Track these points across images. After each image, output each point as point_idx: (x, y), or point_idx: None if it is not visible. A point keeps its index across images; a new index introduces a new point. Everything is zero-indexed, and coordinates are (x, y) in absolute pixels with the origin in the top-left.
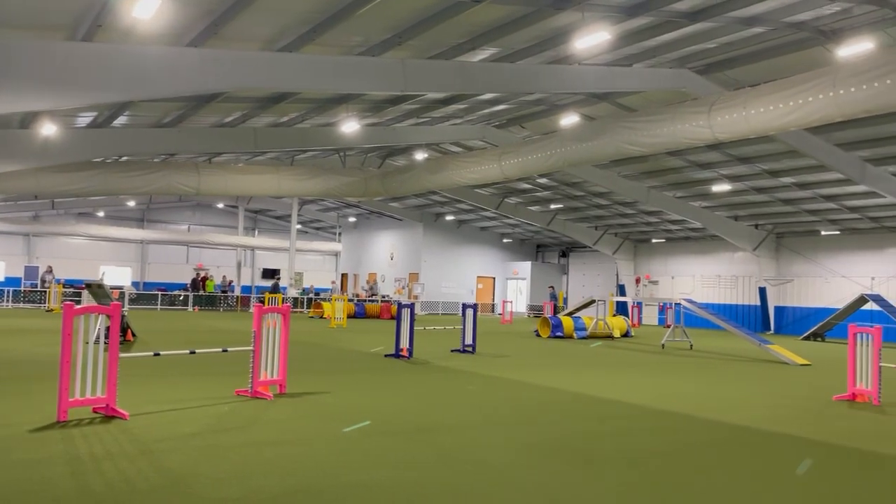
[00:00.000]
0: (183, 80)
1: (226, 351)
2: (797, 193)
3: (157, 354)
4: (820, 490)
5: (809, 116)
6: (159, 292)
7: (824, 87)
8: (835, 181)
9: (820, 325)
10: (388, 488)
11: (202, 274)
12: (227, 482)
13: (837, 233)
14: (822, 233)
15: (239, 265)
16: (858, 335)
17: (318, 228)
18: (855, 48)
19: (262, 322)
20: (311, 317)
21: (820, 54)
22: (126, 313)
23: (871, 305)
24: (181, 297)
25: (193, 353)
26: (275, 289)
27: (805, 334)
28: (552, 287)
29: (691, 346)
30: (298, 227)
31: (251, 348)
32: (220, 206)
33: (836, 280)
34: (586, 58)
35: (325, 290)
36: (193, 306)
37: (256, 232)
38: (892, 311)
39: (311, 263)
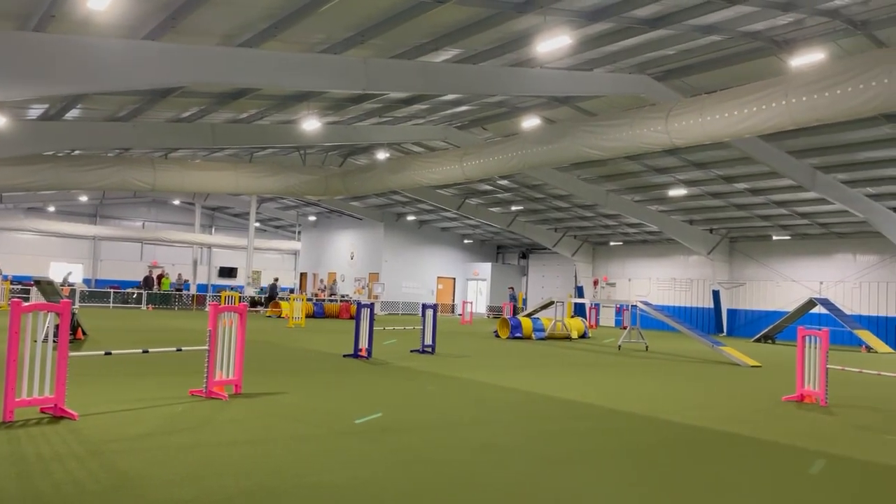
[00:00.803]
0: (138, 74)
1: (180, 350)
2: (750, 199)
3: (108, 353)
4: (766, 490)
5: (763, 124)
6: (112, 290)
7: (777, 96)
8: (786, 187)
9: (771, 328)
10: (347, 489)
11: (157, 272)
12: (180, 484)
13: (788, 238)
14: (774, 238)
15: (195, 263)
16: (807, 338)
17: (277, 227)
18: (807, 58)
19: (218, 321)
20: (269, 316)
21: (774, 63)
22: (76, 311)
23: (819, 309)
24: (134, 296)
25: (147, 352)
26: (272, 291)
27: (756, 336)
28: (512, 288)
29: (647, 347)
30: (257, 225)
31: (206, 348)
32: (177, 202)
33: (786, 284)
34: (548, 61)
35: (283, 289)
36: (147, 305)
37: (213, 229)
38: (839, 314)
39: (269, 262)
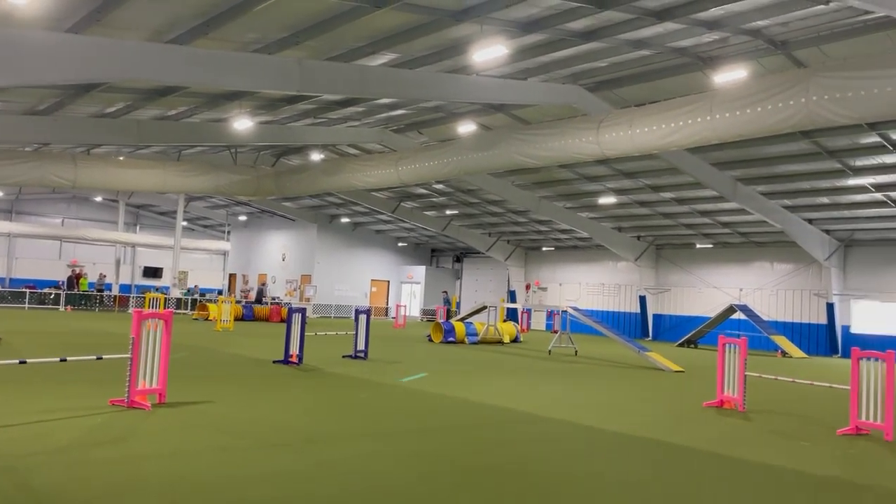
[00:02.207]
0: (60, 68)
1: (100, 359)
2: (676, 208)
3: (23, 362)
4: (686, 496)
5: (689, 138)
6: (27, 290)
7: (702, 112)
8: (709, 198)
9: (693, 333)
10: None
11: (77, 271)
12: (100, 501)
13: (710, 246)
14: (697, 246)
15: (118, 262)
16: (727, 346)
17: (205, 226)
18: (730, 75)
19: (142, 327)
20: (196, 318)
21: (700, 79)
22: None
23: (738, 315)
24: (52, 296)
25: (64, 360)
26: (259, 296)
27: (680, 341)
28: (446, 292)
29: (576, 352)
30: (184, 223)
31: (129, 356)
32: (99, 199)
33: (708, 290)
34: (484, 69)
35: (210, 291)
36: (66, 305)
37: (138, 228)
38: (757, 320)
39: (197, 262)
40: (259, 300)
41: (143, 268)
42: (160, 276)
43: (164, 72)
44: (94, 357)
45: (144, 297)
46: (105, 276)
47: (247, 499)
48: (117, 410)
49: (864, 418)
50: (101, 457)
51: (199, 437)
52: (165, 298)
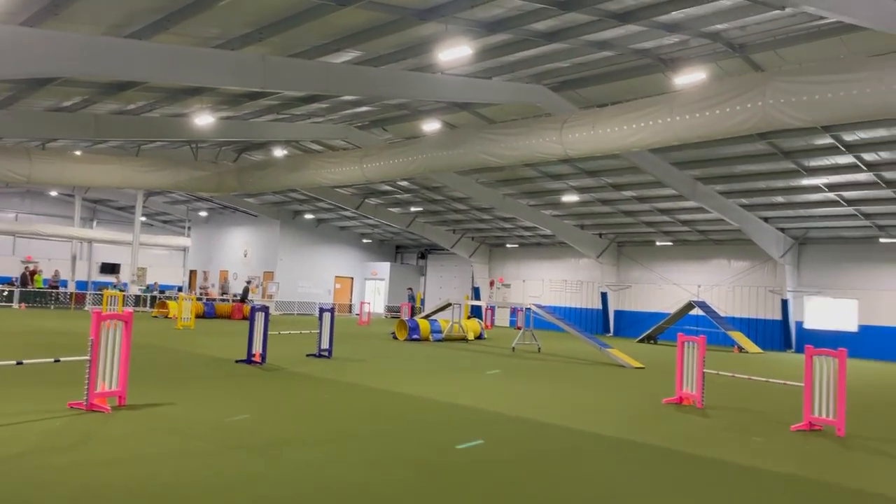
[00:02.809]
0: (15, 62)
1: (58, 361)
2: (637, 206)
3: None
4: (644, 493)
5: (650, 139)
6: None
7: (663, 114)
8: (669, 196)
9: (653, 329)
10: None
11: (31, 267)
12: None
13: (670, 244)
14: (657, 243)
15: (74, 259)
16: (686, 343)
17: (165, 222)
18: (690, 77)
19: (101, 328)
20: (155, 316)
21: (661, 80)
22: None
23: (697, 311)
24: (5, 293)
25: (21, 364)
26: (245, 294)
27: (640, 337)
28: (410, 289)
29: (539, 349)
30: (143, 219)
31: (87, 358)
32: (54, 193)
33: (668, 287)
34: (449, 67)
35: (170, 288)
36: (20, 303)
37: (95, 223)
38: (714, 316)
39: (156, 258)
40: (244, 299)
41: (100, 264)
42: (118, 273)
43: (123, 67)
44: (52, 360)
45: (102, 295)
46: (59, 273)
47: None
48: (76, 414)
49: (816, 414)
50: (60, 463)
51: (162, 441)
52: (124, 296)
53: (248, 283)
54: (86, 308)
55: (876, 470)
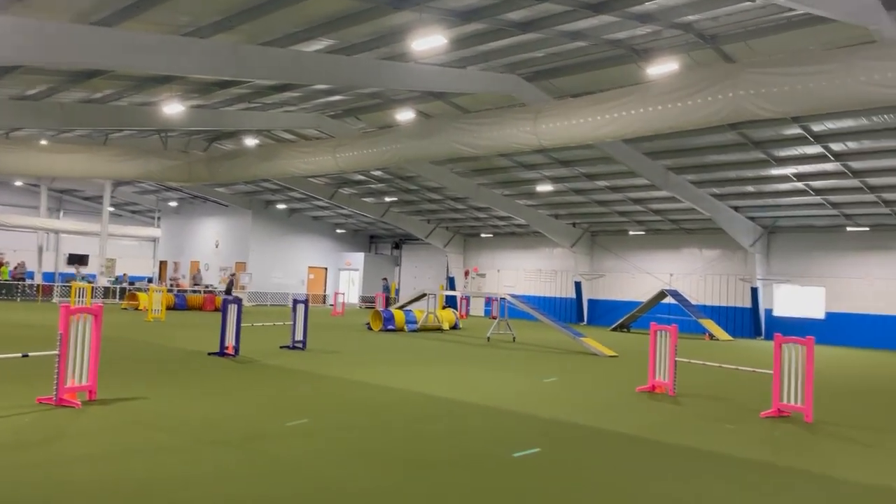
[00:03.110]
0: None
1: (26, 356)
2: (610, 196)
3: None
4: (619, 482)
5: (623, 130)
6: None
7: (636, 104)
8: (642, 186)
9: (626, 317)
10: None
11: None
12: None
13: (643, 233)
14: (630, 232)
15: (41, 250)
16: (658, 332)
17: (134, 212)
18: (663, 68)
19: (70, 323)
20: (125, 308)
21: (634, 71)
22: None
23: (669, 299)
24: None
25: None
26: (230, 287)
27: (613, 325)
28: (385, 279)
29: (514, 338)
30: (111, 209)
31: (56, 352)
32: (19, 183)
33: (641, 276)
34: (422, 56)
35: (140, 279)
36: None
37: (62, 214)
38: (686, 304)
39: (125, 249)
40: (229, 291)
41: (67, 255)
42: (86, 264)
43: (91, 55)
44: (20, 355)
45: (70, 287)
46: (24, 265)
47: (188, 501)
48: (45, 409)
49: (785, 401)
50: (30, 459)
51: (134, 436)
52: (93, 287)
53: (233, 275)
54: (53, 300)
55: (843, 456)
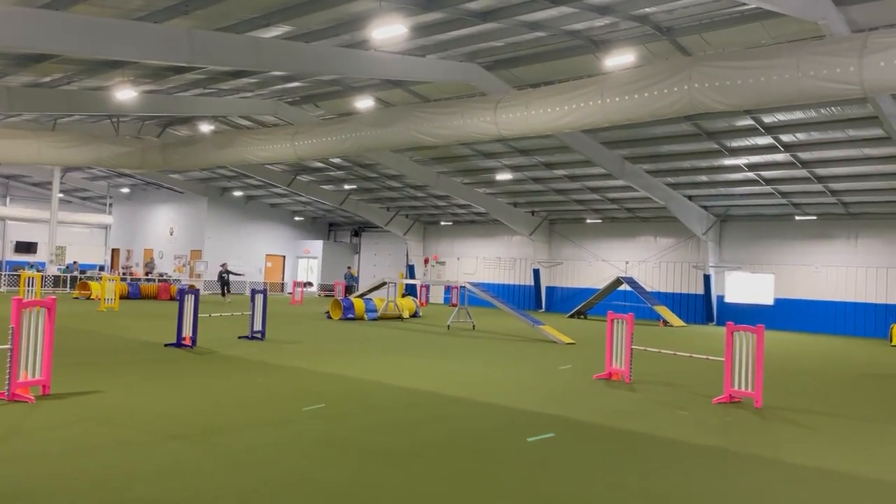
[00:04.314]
0: None
1: None
2: (568, 184)
3: None
4: (580, 473)
5: (581, 120)
6: None
7: (594, 96)
8: (599, 175)
9: (583, 304)
10: (176, 502)
11: None
12: None
13: (600, 221)
14: (588, 221)
15: None
16: (615, 321)
17: (84, 198)
18: (620, 59)
19: (23, 315)
20: (76, 297)
21: (592, 62)
22: None
23: (625, 286)
24: None
25: None
26: (226, 281)
27: (571, 312)
28: (349, 267)
29: (474, 326)
30: (61, 196)
31: (8, 346)
32: None
33: (597, 263)
34: (382, 45)
35: (91, 267)
36: None
37: (8, 200)
38: (641, 291)
39: (76, 236)
40: (225, 284)
41: (14, 242)
42: (35, 252)
43: (37, 39)
44: None
45: (19, 276)
46: None
47: (150, 497)
48: None
49: (736, 387)
50: None
51: (91, 431)
52: (42, 277)
53: (224, 266)
54: (1, 289)
55: (791, 440)
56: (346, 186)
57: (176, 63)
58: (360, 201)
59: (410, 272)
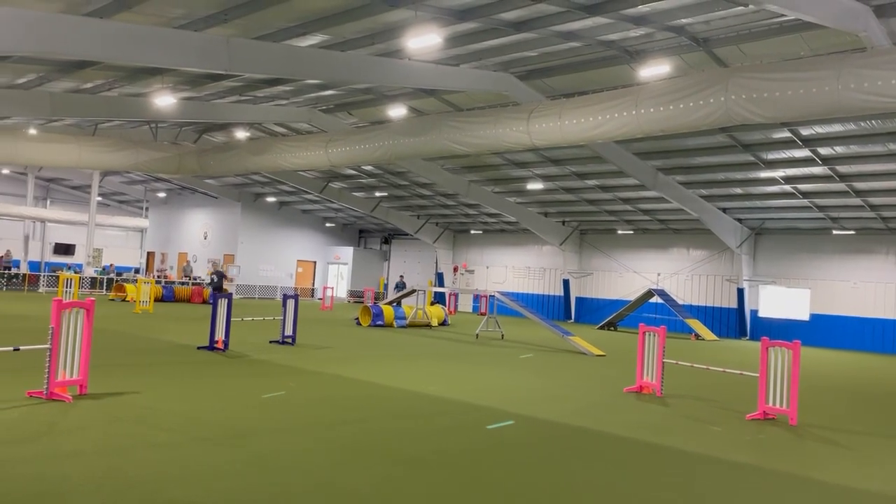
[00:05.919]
0: None
1: (17, 350)
2: (600, 195)
3: None
4: (609, 484)
5: (615, 131)
6: None
7: (628, 107)
8: (631, 186)
9: (614, 316)
10: None
11: None
12: None
13: (631, 232)
14: (619, 232)
15: (27, 239)
16: (647, 333)
17: (121, 202)
18: (655, 69)
19: (62, 316)
20: (112, 299)
21: (626, 72)
22: None
23: (656, 299)
24: None
25: None
26: (219, 284)
27: (601, 324)
28: (402, 276)
29: (502, 336)
30: (99, 199)
31: (48, 346)
32: (6, 172)
33: (628, 275)
34: (416, 54)
35: (127, 270)
36: None
37: (49, 202)
38: (673, 304)
39: (112, 239)
40: (218, 288)
41: (53, 244)
42: (72, 254)
43: (82, 47)
44: (11, 349)
45: (58, 277)
46: (10, 253)
47: (182, 499)
48: (36, 403)
49: (771, 404)
50: (19, 455)
51: (125, 432)
52: (80, 278)
53: (215, 265)
54: (40, 290)
55: (827, 459)
56: (377, 194)
57: (214, 71)
58: (390, 209)
59: (439, 280)
